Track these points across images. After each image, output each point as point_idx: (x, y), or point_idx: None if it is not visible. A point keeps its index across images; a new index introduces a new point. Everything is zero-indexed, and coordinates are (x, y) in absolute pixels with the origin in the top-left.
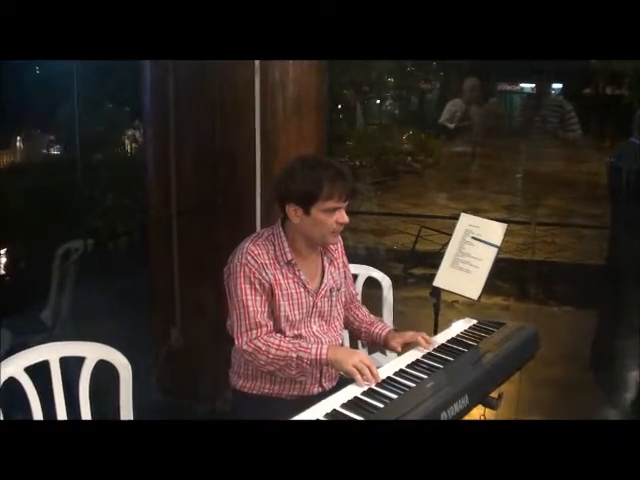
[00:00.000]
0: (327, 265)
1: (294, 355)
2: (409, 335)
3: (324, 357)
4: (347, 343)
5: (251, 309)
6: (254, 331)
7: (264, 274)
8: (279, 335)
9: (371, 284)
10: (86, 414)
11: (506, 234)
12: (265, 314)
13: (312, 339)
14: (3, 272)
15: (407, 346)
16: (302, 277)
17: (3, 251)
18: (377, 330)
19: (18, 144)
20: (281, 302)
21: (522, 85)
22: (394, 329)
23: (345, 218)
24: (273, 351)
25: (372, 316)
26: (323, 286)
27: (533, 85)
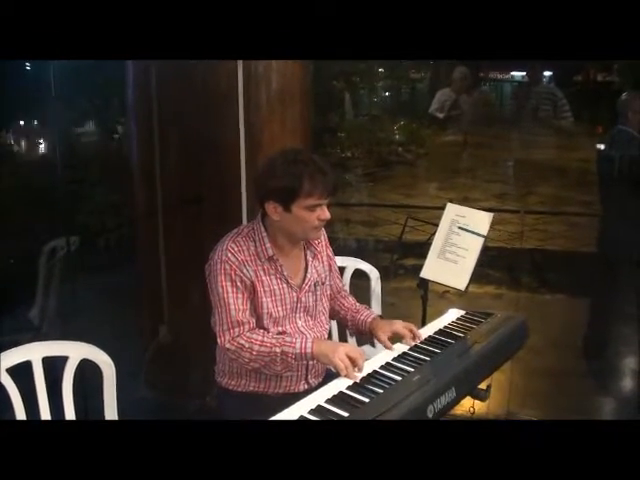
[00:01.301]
0: (310, 259)
1: (278, 350)
2: (397, 327)
3: (309, 351)
4: (335, 335)
5: (232, 307)
6: (236, 329)
7: (245, 271)
8: (262, 331)
9: (359, 276)
10: (70, 413)
11: (498, 223)
12: (247, 312)
13: (297, 335)
14: None
15: (394, 337)
16: (284, 273)
17: None
18: (362, 317)
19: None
20: (263, 299)
21: (513, 73)
22: (380, 316)
23: (327, 214)
24: (256, 347)
25: (358, 305)
26: (307, 281)
27: (524, 73)
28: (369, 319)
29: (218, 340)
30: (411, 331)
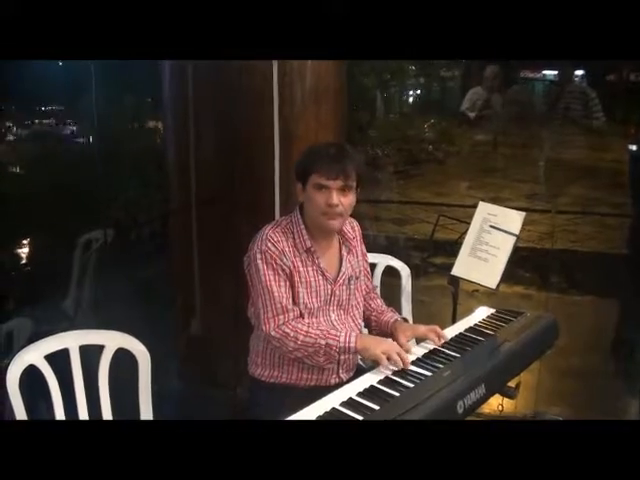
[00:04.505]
0: (345, 254)
1: (323, 342)
2: (420, 331)
3: (353, 345)
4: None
5: (276, 294)
6: (281, 316)
7: (284, 260)
8: (307, 322)
9: (390, 273)
10: (105, 402)
11: (528, 223)
12: (290, 300)
13: (340, 328)
14: (26, 262)
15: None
16: (321, 265)
17: (26, 241)
18: (386, 318)
19: (40, 135)
20: (300, 289)
21: (545, 72)
22: (404, 318)
23: (333, 200)
24: (301, 337)
25: (385, 307)
26: (341, 274)
27: (556, 72)
28: (392, 320)
29: (263, 328)
30: (435, 332)
